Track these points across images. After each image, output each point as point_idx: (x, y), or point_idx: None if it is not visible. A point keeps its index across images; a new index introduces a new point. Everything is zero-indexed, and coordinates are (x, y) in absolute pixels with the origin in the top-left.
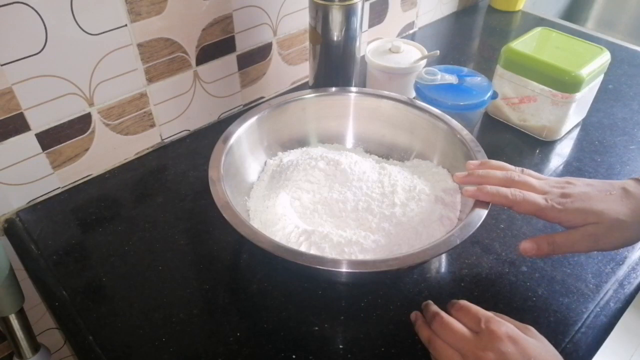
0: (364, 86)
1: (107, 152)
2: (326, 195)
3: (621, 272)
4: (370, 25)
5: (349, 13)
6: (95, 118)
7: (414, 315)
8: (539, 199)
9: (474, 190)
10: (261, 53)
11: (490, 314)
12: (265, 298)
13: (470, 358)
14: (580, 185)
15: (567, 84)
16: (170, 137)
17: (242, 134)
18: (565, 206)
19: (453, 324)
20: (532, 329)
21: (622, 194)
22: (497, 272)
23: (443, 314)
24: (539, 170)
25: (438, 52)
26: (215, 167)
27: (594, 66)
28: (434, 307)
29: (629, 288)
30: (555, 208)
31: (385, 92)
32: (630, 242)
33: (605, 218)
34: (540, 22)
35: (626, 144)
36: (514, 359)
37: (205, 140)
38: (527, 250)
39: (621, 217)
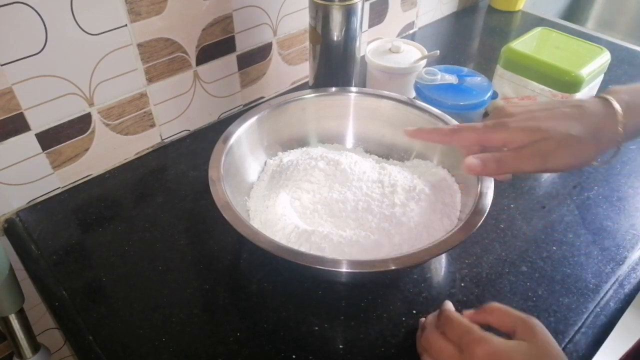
0: (364, 86)
1: (107, 152)
2: (326, 195)
3: (621, 272)
4: (370, 25)
5: (349, 13)
6: (95, 118)
7: (420, 322)
8: (476, 124)
9: (413, 129)
10: (261, 53)
11: (472, 327)
12: (265, 298)
13: None
14: (524, 105)
15: (567, 84)
16: (170, 137)
17: (242, 134)
18: (508, 125)
19: (437, 342)
20: (536, 324)
21: (575, 111)
22: (497, 272)
23: (430, 329)
24: None
25: (438, 52)
26: (215, 167)
27: (594, 66)
28: (428, 319)
29: (629, 288)
30: (496, 129)
31: (385, 92)
32: (583, 162)
33: (554, 134)
34: (540, 22)
35: (626, 144)
36: None
37: (205, 140)
38: (472, 166)
39: (572, 133)
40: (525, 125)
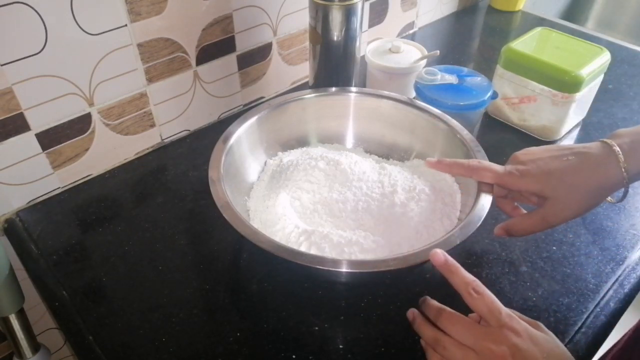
0: (364, 86)
1: (107, 152)
2: (326, 195)
3: (621, 272)
4: (370, 25)
5: (349, 13)
6: (95, 118)
7: (411, 313)
8: (496, 167)
9: (434, 161)
10: (261, 53)
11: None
12: (265, 298)
13: (486, 353)
14: (537, 152)
15: (567, 84)
16: (170, 137)
17: (242, 134)
18: (521, 175)
19: (464, 319)
20: (542, 325)
21: (580, 160)
22: (497, 272)
23: (449, 309)
24: None
25: (438, 52)
26: (215, 167)
27: (594, 66)
28: (437, 303)
29: (629, 288)
30: (511, 175)
31: (385, 92)
32: (588, 209)
33: (559, 192)
34: (540, 22)
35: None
36: (529, 353)
37: (205, 140)
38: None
39: (575, 189)
40: (534, 177)
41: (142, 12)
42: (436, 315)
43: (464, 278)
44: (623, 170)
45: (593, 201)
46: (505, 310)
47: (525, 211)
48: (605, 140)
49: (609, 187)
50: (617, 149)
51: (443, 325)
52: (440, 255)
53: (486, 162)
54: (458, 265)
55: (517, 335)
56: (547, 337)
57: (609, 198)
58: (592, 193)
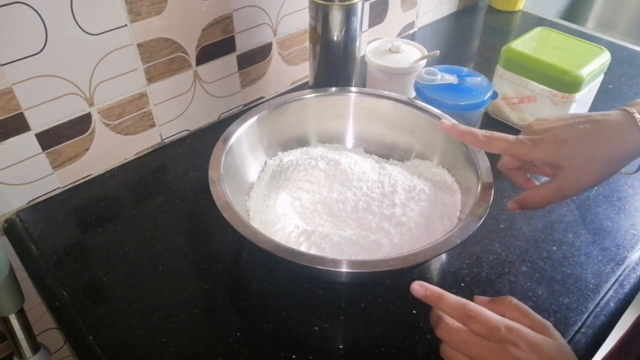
0: (364, 86)
1: (107, 152)
2: (326, 195)
3: (621, 272)
4: (370, 25)
5: (349, 13)
6: (95, 118)
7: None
8: (509, 136)
9: (450, 124)
10: (261, 53)
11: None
12: (265, 298)
13: None
14: (550, 121)
15: (567, 84)
16: (170, 137)
17: (242, 134)
18: (534, 144)
19: (461, 332)
20: (549, 325)
21: (597, 127)
22: (497, 272)
23: (446, 319)
24: None
25: (438, 52)
26: (215, 167)
27: (594, 66)
28: (436, 311)
29: (629, 288)
30: (524, 144)
31: (385, 92)
32: (604, 178)
33: (572, 162)
34: (540, 22)
35: None
36: None
37: (205, 140)
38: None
39: (591, 157)
40: (549, 146)
41: (142, 12)
42: (435, 323)
43: (452, 305)
44: None
45: (609, 170)
46: (504, 324)
47: (538, 183)
48: (625, 108)
49: (627, 156)
50: (638, 115)
51: (440, 336)
52: (420, 289)
53: (498, 133)
54: (441, 291)
55: (517, 347)
56: (548, 342)
57: (623, 169)
58: (609, 162)
